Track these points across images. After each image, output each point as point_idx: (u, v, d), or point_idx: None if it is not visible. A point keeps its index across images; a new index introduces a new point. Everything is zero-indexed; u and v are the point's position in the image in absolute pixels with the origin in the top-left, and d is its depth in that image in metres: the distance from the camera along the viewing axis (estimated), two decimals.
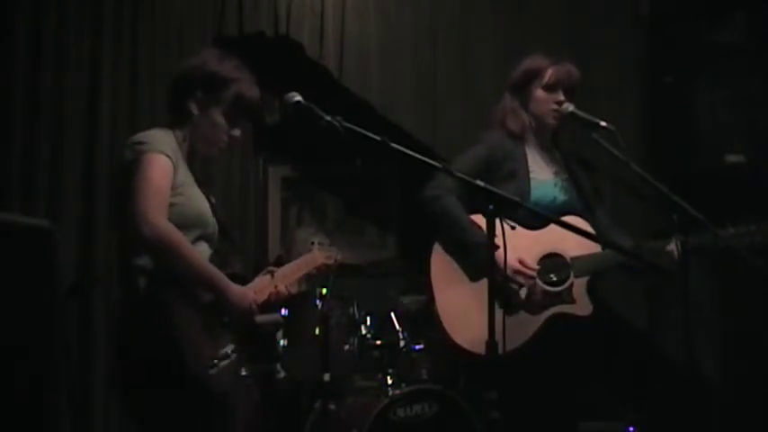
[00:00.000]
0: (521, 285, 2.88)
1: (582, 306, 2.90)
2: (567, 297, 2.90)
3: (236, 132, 2.62)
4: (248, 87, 2.59)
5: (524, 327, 2.88)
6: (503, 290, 2.85)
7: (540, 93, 3.06)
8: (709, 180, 4.19)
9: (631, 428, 4.08)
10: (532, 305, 2.89)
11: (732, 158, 4.23)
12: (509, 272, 2.81)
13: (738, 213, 2.89)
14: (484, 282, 2.94)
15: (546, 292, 2.90)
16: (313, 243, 3.00)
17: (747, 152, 4.23)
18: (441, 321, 2.98)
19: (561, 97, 3.03)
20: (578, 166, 3.15)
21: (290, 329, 3.74)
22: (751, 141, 4.24)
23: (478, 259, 2.87)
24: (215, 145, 2.61)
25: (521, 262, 2.87)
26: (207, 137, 2.58)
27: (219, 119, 2.57)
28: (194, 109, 2.55)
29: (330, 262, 2.95)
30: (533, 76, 3.07)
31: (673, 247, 2.85)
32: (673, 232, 2.86)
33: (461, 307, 2.95)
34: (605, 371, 3.99)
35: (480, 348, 2.91)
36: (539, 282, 2.90)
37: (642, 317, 4.56)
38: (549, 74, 3.04)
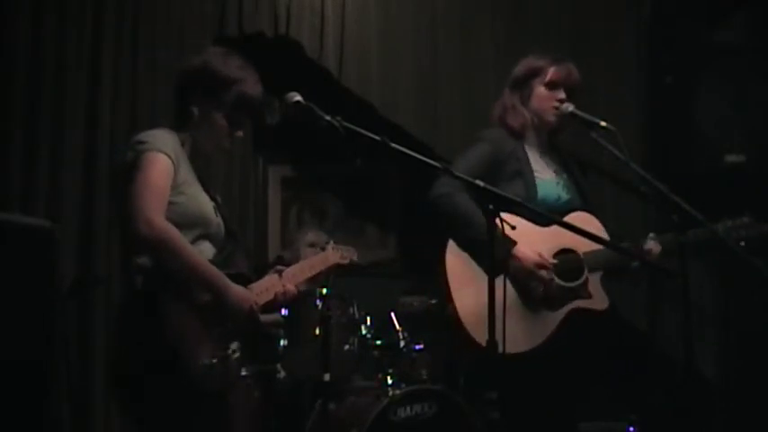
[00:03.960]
0: (542, 280, 2.84)
1: (598, 300, 2.89)
2: (583, 292, 2.88)
3: (239, 134, 2.61)
4: (251, 86, 2.56)
5: (545, 323, 2.85)
6: (524, 286, 2.82)
7: (541, 89, 3.06)
8: (709, 180, 4.19)
9: (631, 428, 4.07)
10: (551, 301, 2.86)
11: (732, 158, 4.23)
12: (531, 266, 2.80)
13: (738, 213, 2.89)
14: (503, 279, 2.95)
15: (562, 288, 2.87)
16: (328, 242, 2.99)
17: (747, 152, 4.22)
18: (461, 322, 2.86)
19: (562, 95, 3.03)
20: (576, 169, 3.15)
21: (290, 329, 3.74)
22: (751, 141, 4.24)
23: (496, 256, 2.87)
24: (217, 147, 2.60)
25: (540, 256, 2.84)
26: (208, 139, 2.57)
27: (221, 121, 2.55)
28: (196, 111, 2.54)
29: (345, 262, 2.94)
30: (535, 73, 3.08)
31: (651, 245, 2.86)
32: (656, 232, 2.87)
33: (482, 306, 2.93)
34: (606, 371, 3.99)
35: (506, 347, 2.90)
36: (555, 278, 2.87)
37: (643, 317, 4.56)
38: (550, 72, 3.05)
